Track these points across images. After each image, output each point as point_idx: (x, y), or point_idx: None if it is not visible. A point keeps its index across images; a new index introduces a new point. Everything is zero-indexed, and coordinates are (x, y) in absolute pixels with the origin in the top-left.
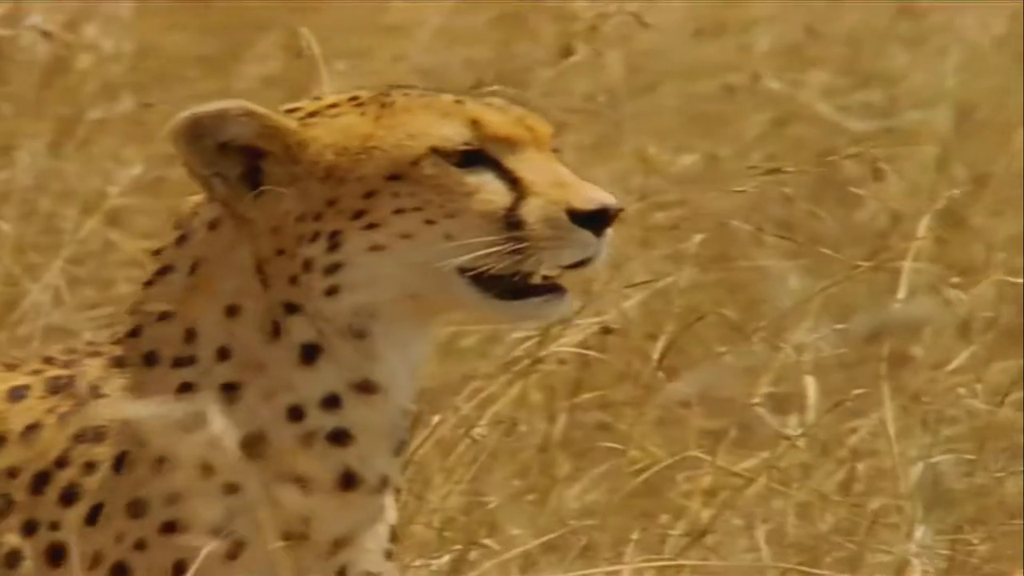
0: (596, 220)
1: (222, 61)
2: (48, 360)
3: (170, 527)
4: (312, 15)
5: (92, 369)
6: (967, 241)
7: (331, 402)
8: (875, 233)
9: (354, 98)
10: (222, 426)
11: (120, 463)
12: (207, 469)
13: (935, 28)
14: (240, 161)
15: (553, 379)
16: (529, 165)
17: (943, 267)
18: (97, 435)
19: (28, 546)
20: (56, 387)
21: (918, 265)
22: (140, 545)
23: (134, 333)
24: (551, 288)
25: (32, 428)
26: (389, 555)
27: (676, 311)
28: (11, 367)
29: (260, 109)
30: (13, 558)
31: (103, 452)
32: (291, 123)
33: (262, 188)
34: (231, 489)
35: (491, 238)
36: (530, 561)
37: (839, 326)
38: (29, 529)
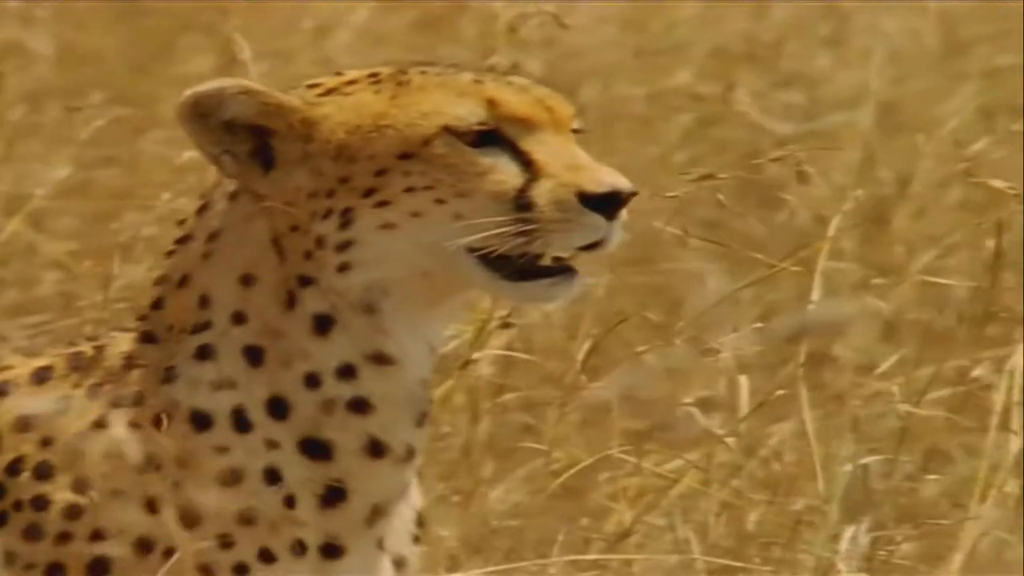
0: (608, 203)
1: (147, 63)
2: (73, 343)
3: (224, 478)
4: (234, 16)
5: (122, 342)
6: (889, 242)
7: (346, 372)
8: (799, 235)
9: (373, 75)
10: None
11: (159, 422)
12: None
13: (858, 29)
14: (248, 139)
15: (477, 381)
16: (544, 147)
17: (864, 268)
18: (135, 399)
19: (84, 499)
20: (77, 364)
21: (840, 266)
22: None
23: (158, 304)
24: (562, 270)
25: (61, 401)
26: (416, 539)
27: (600, 313)
28: (32, 355)
29: (257, 87)
30: (71, 512)
31: (141, 413)
32: (293, 101)
33: (272, 166)
34: (272, 445)
35: (500, 219)
36: (455, 562)
37: (758, 325)
38: (78, 487)
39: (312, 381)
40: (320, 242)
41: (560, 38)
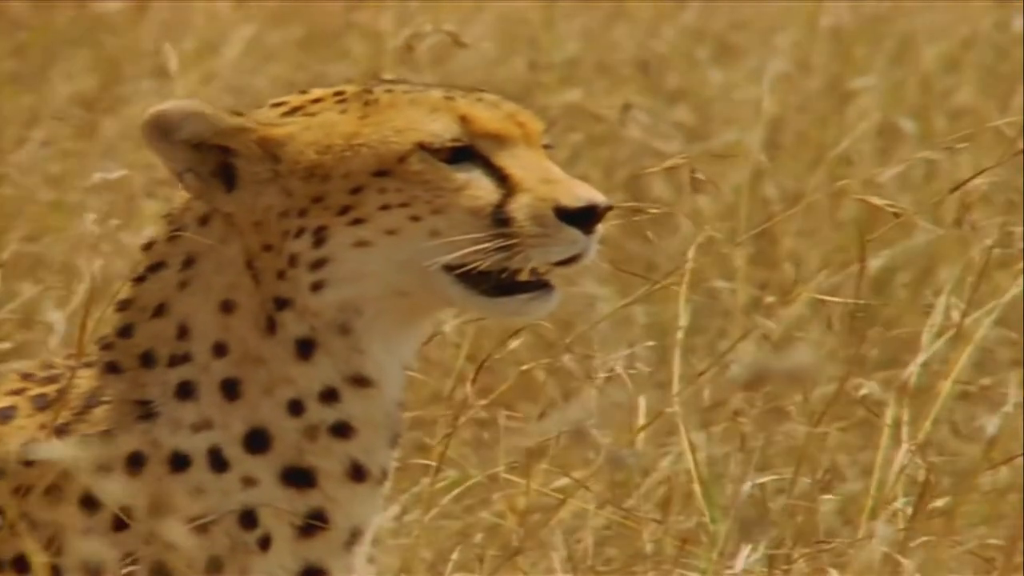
0: (584, 217)
1: (30, 79)
2: (27, 376)
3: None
4: (121, 34)
5: (86, 380)
6: (778, 260)
7: (329, 396)
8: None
9: (338, 93)
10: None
11: (136, 462)
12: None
13: (748, 48)
14: (211, 158)
15: None
16: (518, 162)
17: (756, 287)
18: (105, 438)
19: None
20: (43, 404)
21: (732, 286)
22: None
23: (125, 332)
24: (538, 284)
25: (27, 446)
26: (370, 559)
27: (489, 329)
28: None
29: (207, 109)
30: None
31: (116, 454)
32: (246, 122)
33: (234, 185)
34: (249, 482)
35: (478, 235)
36: None
37: (649, 343)
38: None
39: (296, 407)
40: (293, 260)
41: (451, 55)
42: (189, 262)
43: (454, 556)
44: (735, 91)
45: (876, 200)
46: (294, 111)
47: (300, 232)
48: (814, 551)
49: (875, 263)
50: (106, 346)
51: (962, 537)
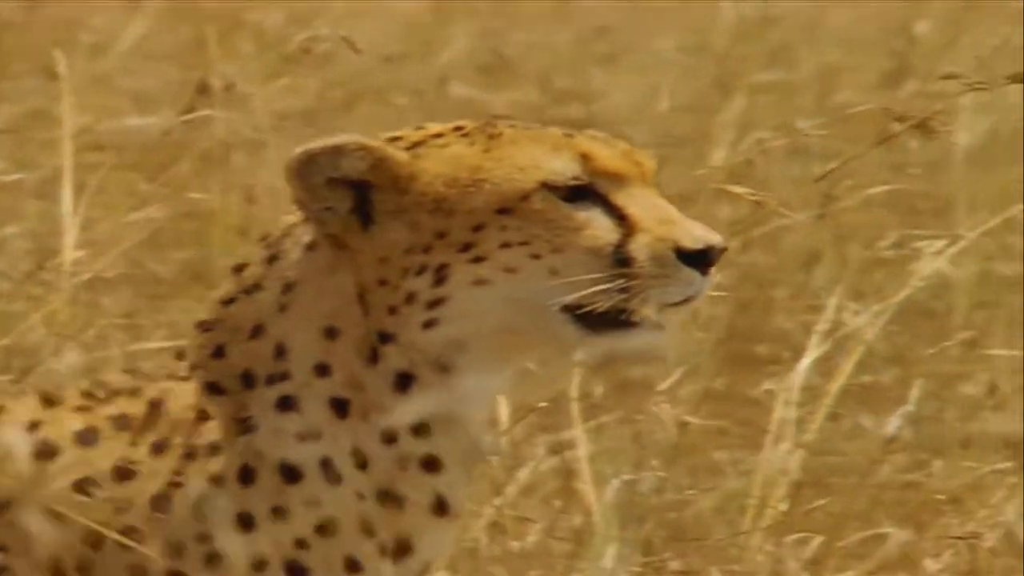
0: (702, 258)
1: None
2: (88, 395)
3: (322, 529)
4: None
5: (185, 393)
6: None
7: (421, 429)
8: None
9: (459, 128)
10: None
11: (246, 476)
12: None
13: (631, 47)
14: (350, 195)
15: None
16: (636, 201)
17: None
18: (212, 450)
19: (184, 564)
20: (124, 423)
21: None
22: (302, 544)
23: (218, 352)
24: (651, 324)
25: (122, 467)
26: None
27: None
28: (49, 402)
29: (374, 143)
30: None
31: (225, 465)
32: (403, 155)
33: (370, 220)
34: (361, 496)
35: (598, 275)
36: None
37: None
38: (175, 551)
39: (389, 437)
40: (410, 298)
41: (338, 57)
42: (289, 287)
43: None
44: (622, 91)
45: (736, 189)
46: (415, 145)
47: (422, 270)
48: (686, 548)
49: (749, 258)
50: (197, 366)
51: (847, 535)
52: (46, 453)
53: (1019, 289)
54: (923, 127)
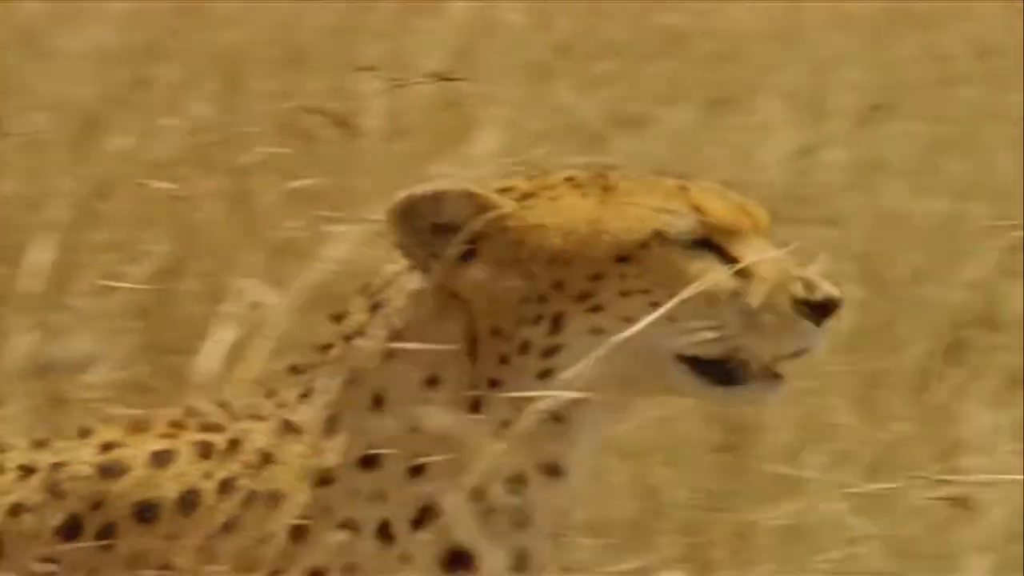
0: (820, 310)
1: None
2: (177, 424)
3: None
4: None
5: (259, 434)
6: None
7: (516, 481)
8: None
9: (570, 178)
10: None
11: (299, 534)
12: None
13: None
14: (456, 242)
15: None
16: (752, 251)
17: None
18: (272, 500)
19: None
20: (206, 451)
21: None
22: None
23: (307, 395)
24: (768, 374)
25: (188, 495)
26: None
27: None
28: (138, 428)
29: (480, 190)
30: None
31: (279, 519)
32: (509, 204)
33: (478, 268)
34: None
35: (715, 323)
36: None
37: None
38: None
39: (479, 492)
40: (524, 347)
41: None
42: (395, 335)
43: None
44: (36, 77)
45: (159, 184)
46: (527, 196)
47: (538, 319)
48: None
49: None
50: (284, 405)
51: None
52: (113, 472)
53: None
54: (340, 121)
